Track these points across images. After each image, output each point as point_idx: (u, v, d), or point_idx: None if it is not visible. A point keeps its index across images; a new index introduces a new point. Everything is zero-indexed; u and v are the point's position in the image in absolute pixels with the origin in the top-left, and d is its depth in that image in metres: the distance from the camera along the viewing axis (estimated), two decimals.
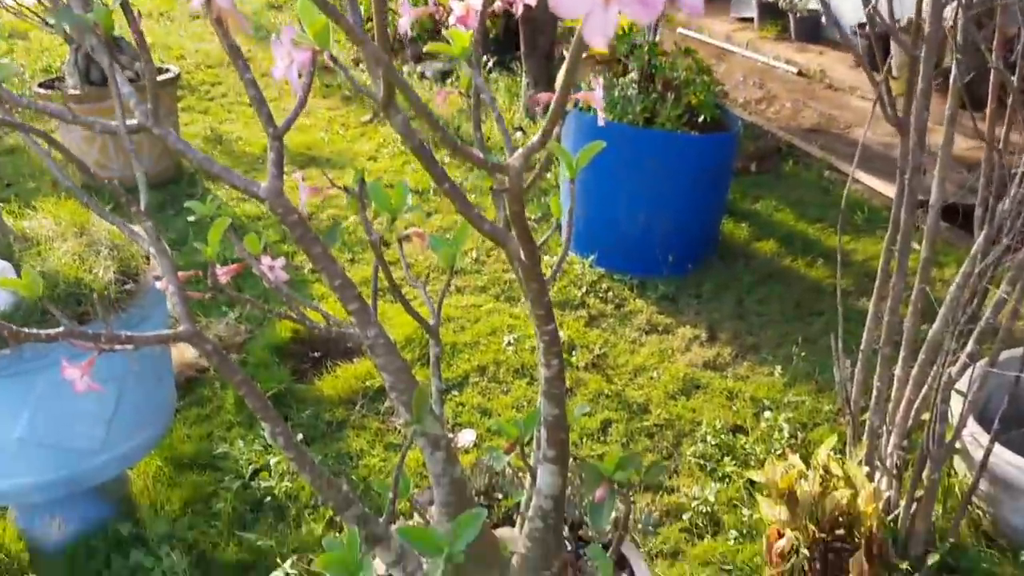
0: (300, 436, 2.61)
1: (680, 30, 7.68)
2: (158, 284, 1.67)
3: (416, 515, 1.69)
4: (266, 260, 1.63)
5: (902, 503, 2.14)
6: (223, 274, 1.69)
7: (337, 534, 2.28)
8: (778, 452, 2.51)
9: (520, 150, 1.02)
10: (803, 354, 2.95)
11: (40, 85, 4.27)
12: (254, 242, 1.57)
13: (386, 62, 0.88)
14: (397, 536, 1.42)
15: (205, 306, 3.25)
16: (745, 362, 3.00)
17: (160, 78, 4.13)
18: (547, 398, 1.35)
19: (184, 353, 2.95)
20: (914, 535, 2.13)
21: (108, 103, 3.86)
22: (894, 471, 2.18)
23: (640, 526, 1.75)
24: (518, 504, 1.71)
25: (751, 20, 7.69)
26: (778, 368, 2.91)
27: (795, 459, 1.99)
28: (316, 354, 3.04)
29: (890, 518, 2.19)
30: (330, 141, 4.93)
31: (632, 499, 2.34)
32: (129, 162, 4.11)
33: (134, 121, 1.21)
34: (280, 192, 1.20)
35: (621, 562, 1.75)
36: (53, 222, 2.15)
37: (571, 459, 2.45)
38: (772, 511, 1.89)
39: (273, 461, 2.52)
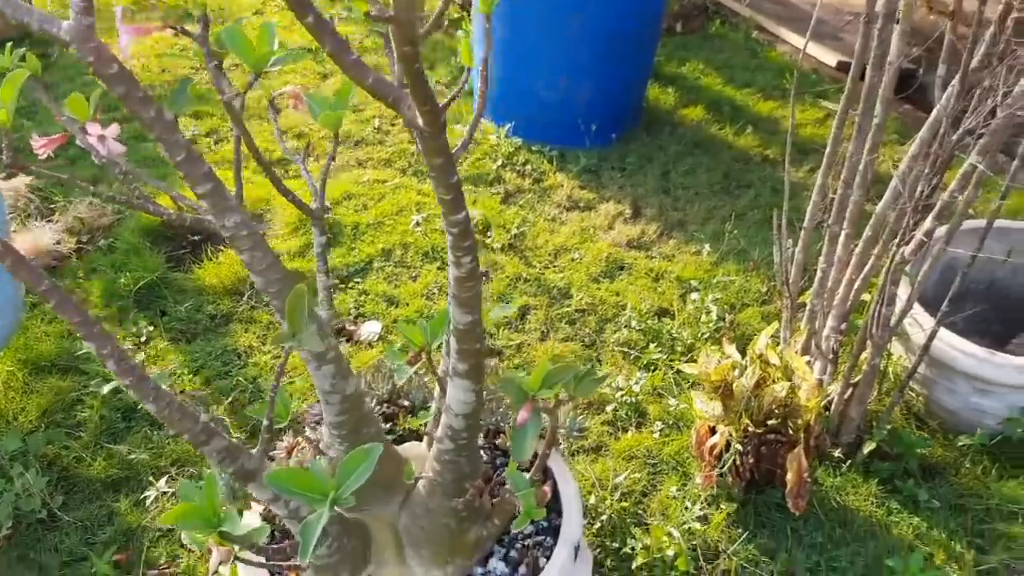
0: (178, 332, 2.31)
1: None
2: None
3: (307, 431, 1.44)
4: (94, 128, 1.28)
5: (836, 389, 2.02)
6: (42, 146, 1.33)
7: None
8: (705, 336, 2.35)
9: None
10: (734, 231, 2.76)
11: None
12: (79, 104, 1.23)
13: None
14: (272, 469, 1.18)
15: (62, 185, 2.83)
16: (671, 240, 2.80)
17: None
18: (457, 303, 1.09)
19: (40, 240, 2.55)
20: (847, 421, 2.02)
21: None
22: (830, 355, 2.04)
23: (564, 431, 1.56)
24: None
25: None
26: (706, 246, 2.72)
27: (730, 349, 1.82)
28: (195, 237, 2.69)
29: (822, 404, 2.08)
30: None
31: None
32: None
33: None
34: (89, 33, 0.86)
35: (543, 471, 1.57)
36: None
37: (496, 366, 2.24)
38: (707, 407, 1.72)
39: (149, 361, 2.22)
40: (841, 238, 2.01)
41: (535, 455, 1.59)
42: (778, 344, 2.01)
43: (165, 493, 1.82)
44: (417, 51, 0.73)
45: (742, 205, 2.98)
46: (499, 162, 3.12)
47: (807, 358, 1.86)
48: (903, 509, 1.90)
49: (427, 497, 1.30)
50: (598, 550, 1.81)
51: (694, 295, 2.52)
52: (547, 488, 1.50)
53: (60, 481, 1.89)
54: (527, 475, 1.22)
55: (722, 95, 3.71)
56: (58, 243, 2.58)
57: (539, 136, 3.22)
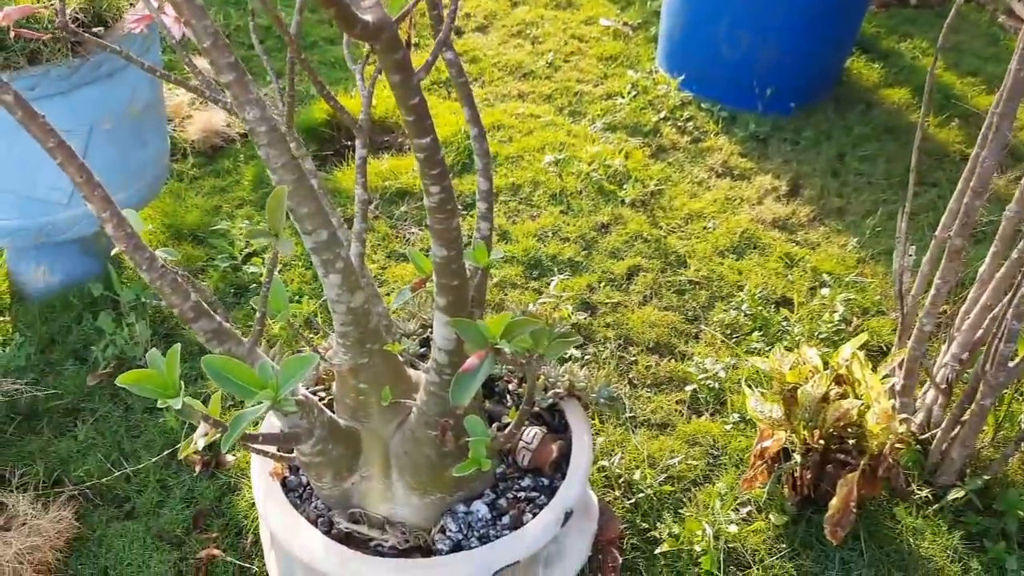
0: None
1: None
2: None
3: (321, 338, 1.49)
4: (171, 10, 1.36)
5: (944, 422, 1.78)
6: (134, 22, 1.44)
7: (315, 335, 2.15)
8: (821, 336, 2.15)
9: None
10: (878, 229, 2.46)
11: None
12: None
13: None
14: (263, 360, 1.23)
15: (254, 73, 3.05)
16: (822, 227, 2.56)
17: None
18: (433, 236, 1.06)
19: (212, 120, 2.79)
20: (947, 462, 1.78)
21: None
22: (943, 384, 1.80)
23: (594, 396, 1.50)
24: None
25: None
26: (854, 240, 2.47)
27: (811, 353, 1.65)
28: (348, 143, 2.81)
29: (926, 436, 1.85)
30: None
31: (599, 365, 2.07)
32: None
33: None
34: None
35: (559, 427, 1.52)
36: None
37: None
38: (762, 407, 1.58)
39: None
40: (988, 256, 1.75)
41: (556, 410, 1.54)
42: (877, 358, 1.80)
43: None
44: None
45: (917, 204, 2.65)
46: (662, 114, 2.98)
47: (895, 380, 1.65)
48: (983, 573, 1.66)
49: (415, 425, 1.30)
50: (626, 525, 1.74)
51: (825, 290, 2.30)
52: (554, 447, 1.46)
53: (164, 337, 2.09)
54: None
55: (938, 81, 3.29)
56: (228, 126, 2.80)
57: (710, 93, 3.03)
